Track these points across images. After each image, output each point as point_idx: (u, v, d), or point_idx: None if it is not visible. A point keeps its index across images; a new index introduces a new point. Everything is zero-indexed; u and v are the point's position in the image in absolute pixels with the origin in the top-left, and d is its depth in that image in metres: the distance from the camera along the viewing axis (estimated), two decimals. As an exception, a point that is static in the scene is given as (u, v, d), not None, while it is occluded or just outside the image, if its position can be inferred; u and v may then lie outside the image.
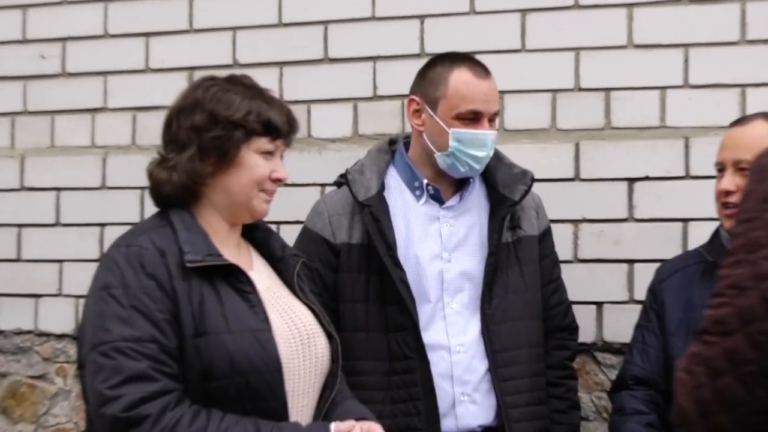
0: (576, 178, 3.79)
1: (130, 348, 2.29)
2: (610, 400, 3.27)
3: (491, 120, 3.10)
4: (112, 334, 2.31)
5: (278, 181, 2.58)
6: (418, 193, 3.20)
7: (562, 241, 3.62)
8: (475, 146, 3.07)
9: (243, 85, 2.57)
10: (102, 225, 4.30)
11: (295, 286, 2.65)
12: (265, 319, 2.46)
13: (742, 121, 3.07)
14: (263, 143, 2.54)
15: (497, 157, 3.23)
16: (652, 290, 3.22)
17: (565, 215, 3.72)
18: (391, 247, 3.06)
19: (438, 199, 3.19)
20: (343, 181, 3.19)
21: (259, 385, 2.41)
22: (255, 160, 2.53)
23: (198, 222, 2.52)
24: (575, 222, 3.77)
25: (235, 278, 2.47)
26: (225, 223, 2.58)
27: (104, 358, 2.29)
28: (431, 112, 3.11)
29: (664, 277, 3.18)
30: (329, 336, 2.63)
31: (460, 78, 3.08)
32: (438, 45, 3.83)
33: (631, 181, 3.73)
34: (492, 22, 3.86)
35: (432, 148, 3.13)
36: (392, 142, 3.31)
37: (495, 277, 3.13)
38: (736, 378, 1.45)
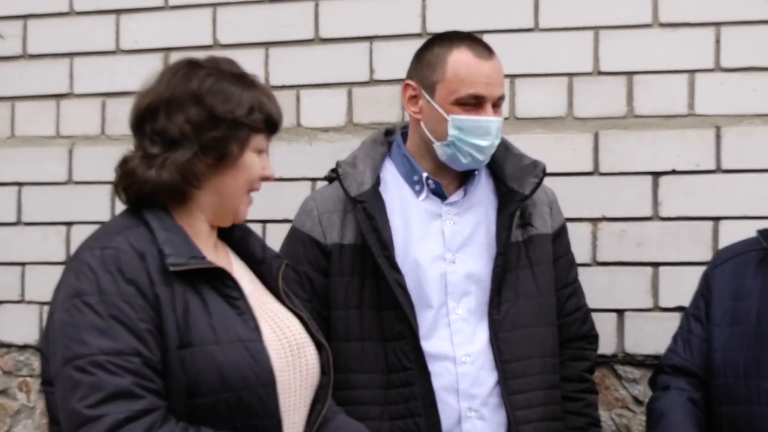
0: (595, 172, 3.70)
1: (110, 362, 2.22)
2: (650, 386, 3.25)
3: (496, 105, 3.04)
4: (90, 347, 2.23)
5: (266, 179, 2.56)
6: (417, 188, 3.12)
7: (579, 241, 3.58)
8: (477, 135, 2.99)
9: (233, 74, 2.51)
10: (68, 224, 4.21)
11: (281, 290, 2.61)
12: (256, 328, 2.42)
13: None
14: (260, 140, 2.50)
15: (505, 147, 3.17)
16: (706, 276, 3.17)
17: (582, 213, 3.67)
18: (386, 246, 2.99)
19: (440, 194, 3.11)
20: (334, 175, 3.13)
21: (251, 401, 2.35)
22: (252, 159, 2.49)
23: (176, 222, 2.46)
24: (594, 221, 3.70)
25: (222, 283, 2.42)
26: (206, 225, 2.53)
27: (81, 373, 2.21)
28: (429, 98, 3.04)
29: (718, 263, 3.13)
30: (318, 345, 2.59)
31: (459, 59, 3.01)
32: (441, 23, 3.74)
33: (656, 175, 3.65)
34: None
35: (430, 137, 3.06)
36: (389, 132, 3.25)
37: (504, 279, 3.06)
38: None
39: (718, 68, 3.58)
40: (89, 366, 2.21)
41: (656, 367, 3.22)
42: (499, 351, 3.01)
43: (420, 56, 3.10)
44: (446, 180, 3.10)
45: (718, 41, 3.57)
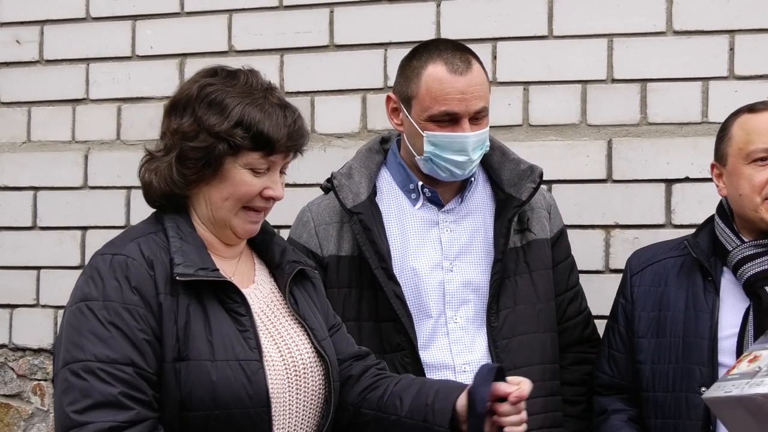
0: (608, 179, 3.68)
1: (102, 370, 2.23)
2: (588, 409, 3.22)
3: (476, 118, 2.97)
4: (86, 353, 2.25)
5: (271, 200, 2.50)
6: (413, 196, 3.10)
7: (592, 248, 3.61)
8: (453, 150, 2.96)
9: (245, 87, 2.46)
10: (83, 228, 4.18)
11: (286, 297, 2.57)
12: (257, 347, 2.39)
13: (754, 108, 2.99)
14: (254, 159, 2.42)
15: (502, 152, 3.16)
16: (624, 285, 3.16)
17: (595, 220, 3.64)
18: (383, 258, 2.97)
19: (436, 202, 3.09)
20: (330, 185, 3.11)
21: (241, 420, 2.34)
22: (242, 176, 2.43)
23: (195, 230, 2.46)
24: (607, 228, 3.66)
25: (228, 297, 2.40)
26: (214, 236, 2.52)
27: (74, 377, 2.23)
28: (406, 113, 3.02)
29: (636, 271, 3.12)
30: (322, 357, 2.54)
31: (432, 75, 2.95)
32: (455, 30, 3.74)
33: (670, 182, 3.63)
34: (515, 4, 3.77)
35: (412, 150, 3.04)
36: (384, 140, 3.23)
37: (502, 286, 3.04)
38: None
39: (732, 76, 3.57)
40: (82, 371, 2.22)
41: (589, 387, 3.19)
42: (498, 359, 2.98)
43: (401, 68, 3.07)
44: (442, 187, 3.07)
45: (732, 49, 3.56)
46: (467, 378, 2.89)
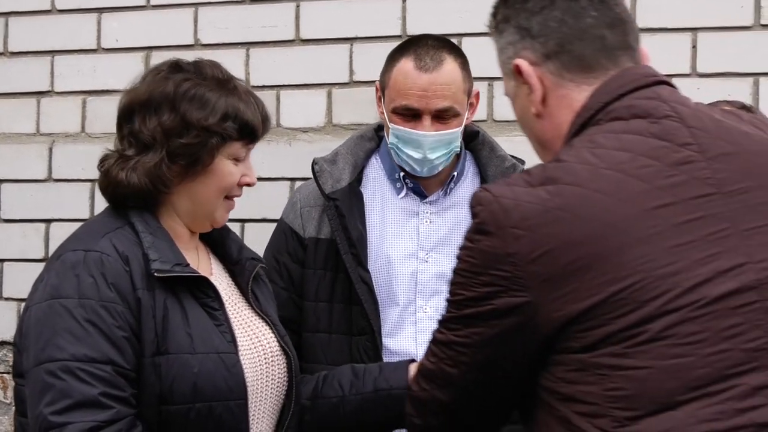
0: None
1: (81, 369, 2.20)
2: None
3: (441, 118, 2.99)
4: (63, 352, 2.21)
5: (246, 186, 2.53)
6: (398, 185, 3.13)
7: None
8: (411, 146, 2.99)
9: (215, 80, 2.47)
10: (48, 221, 4.18)
11: (249, 293, 2.58)
12: (232, 340, 2.41)
13: None
14: (237, 148, 2.45)
15: (491, 148, 3.18)
16: None
17: None
18: (354, 244, 3.00)
19: (419, 192, 3.12)
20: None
21: (222, 412, 2.35)
22: (227, 167, 2.45)
23: (162, 225, 2.45)
24: None
25: (202, 292, 2.41)
26: (186, 229, 2.52)
27: (52, 377, 2.20)
28: (382, 102, 3.08)
29: None
30: (284, 352, 2.57)
31: (400, 68, 3.00)
32: (421, 26, 3.72)
33: None
34: (481, 1, 3.59)
35: (387, 139, 3.08)
36: (380, 127, 3.22)
37: None
38: None
39: (695, 73, 3.59)
40: (60, 371, 2.20)
41: None
42: None
43: (387, 57, 3.10)
44: (427, 179, 3.10)
45: (694, 46, 3.58)
46: None
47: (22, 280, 4.02)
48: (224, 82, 2.47)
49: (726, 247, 1.74)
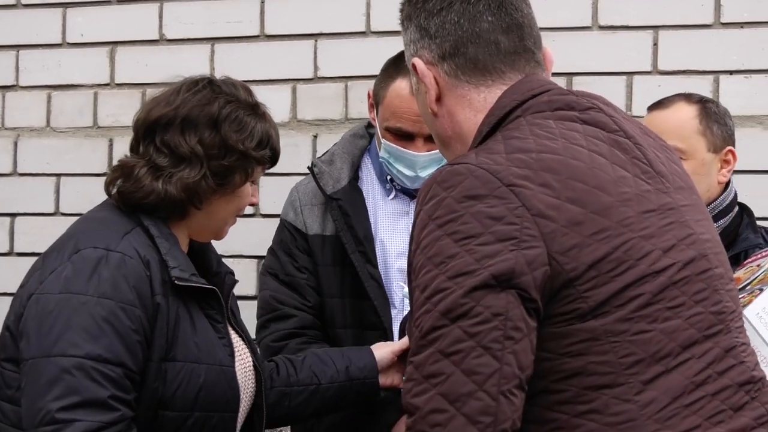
0: None
1: (95, 369, 2.20)
2: None
3: (432, 139, 2.91)
4: (78, 349, 2.21)
5: (251, 205, 2.59)
6: (388, 186, 3.14)
7: None
8: (403, 164, 3.01)
9: (249, 105, 2.51)
10: (12, 215, 4.16)
11: (227, 309, 2.57)
12: (231, 354, 2.45)
13: (662, 103, 3.05)
14: (259, 172, 2.52)
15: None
16: None
17: None
18: (361, 242, 3.02)
19: (409, 193, 3.11)
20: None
21: (217, 423, 2.39)
22: (247, 188, 2.51)
23: (172, 233, 2.46)
24: None
25: (208, 303, 2.44)
26: (187, 239, 2.54)
27: (63, 372, 2.19)
28: (375, 114, 3.07)
29: None
30: (256, 369, 2.61)
31: (396, 89, 2.98)
32: (386, 22, 3.75)
33: None
34: None
35: (379, 150, 3.09)
36: (370, 125, 3.22)
37: None
38: None
39: (656, 71, 3.62)
40: (73, 368, 2.19)
41: None
42: None
43: (383, 68, 3.09)
44: None
45: (656, 44, 3.61)
46: None
47: (-13, 275, 4.12)
48: (255, 106, 2.51)
49: (675, 219, 1.80)
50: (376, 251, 3.06)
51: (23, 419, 2.25)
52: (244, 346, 2.57)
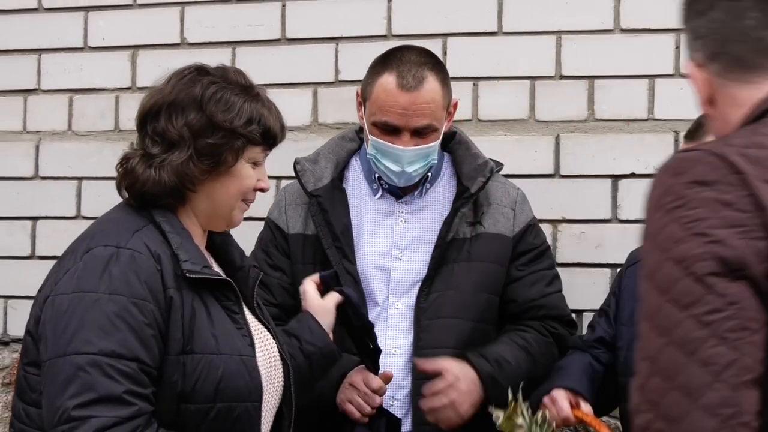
0: (556, 174, 3.72)
1: (109, 365, 2.22)
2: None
3: (420, 134, 3.03)
4: (91, 346, 2.22)
5: (260, 191, 2.58)
6: (375, 186, 3.18)
7: None
8: (390, 159, 3.04)
9: (240, 85, 2.52)
10: (34, 219, 4.15)
11: (254, 301, 2.61)
12: (251, 344, 2.46)
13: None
14: (257, 153, 2.51)
15: (467, 147, 3.22)
16: (618, 276, 3.28)
17: (543, 215, 3.58)
18: (338, 238, 3.06)
19: (395, 193, 3.16)
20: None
21: (240, 414, 2.40)
22: (246, 170, 2.50)
23: (185, 227, 2.47)
24: (554, 222, 3.70)
25: (224, 295, 2.45)
26: (200, 229, 2.55)
27: (78, 370, 2.21)
28: (363, 111, 3.11)
29: (630, 264, 3.19)
30: (283, 359, 2.61)
31: (382, 84, 3.02)
32: (406, 26, 3.79)
33: (616, 178, 3.66)
34: (466, 1, 3.78)
35: (366, 148, 3.11)
36: (362, 129, 3.23)
37: (439, 271, 3.09)
38: None
39: (678, 74, 3.58)
40: (87, 365, 2.20)
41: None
42: (418, 338, 3.05)
43: (370, 66, 3.12)
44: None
45: (677, 47, 3.59)
46: (395, 360, 3.05)
47: (8, 278, 4.07)
48: (248, 88, 2.51)
49: None
50: (356, 248, 3.08)
51: (44, 420, 2.27)
52: (269, 337, 2.58)
